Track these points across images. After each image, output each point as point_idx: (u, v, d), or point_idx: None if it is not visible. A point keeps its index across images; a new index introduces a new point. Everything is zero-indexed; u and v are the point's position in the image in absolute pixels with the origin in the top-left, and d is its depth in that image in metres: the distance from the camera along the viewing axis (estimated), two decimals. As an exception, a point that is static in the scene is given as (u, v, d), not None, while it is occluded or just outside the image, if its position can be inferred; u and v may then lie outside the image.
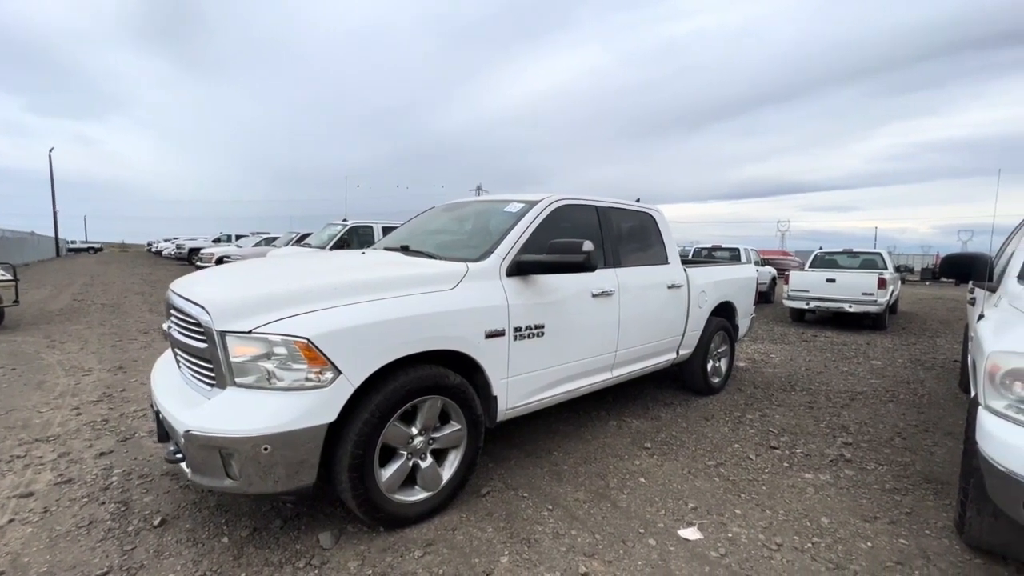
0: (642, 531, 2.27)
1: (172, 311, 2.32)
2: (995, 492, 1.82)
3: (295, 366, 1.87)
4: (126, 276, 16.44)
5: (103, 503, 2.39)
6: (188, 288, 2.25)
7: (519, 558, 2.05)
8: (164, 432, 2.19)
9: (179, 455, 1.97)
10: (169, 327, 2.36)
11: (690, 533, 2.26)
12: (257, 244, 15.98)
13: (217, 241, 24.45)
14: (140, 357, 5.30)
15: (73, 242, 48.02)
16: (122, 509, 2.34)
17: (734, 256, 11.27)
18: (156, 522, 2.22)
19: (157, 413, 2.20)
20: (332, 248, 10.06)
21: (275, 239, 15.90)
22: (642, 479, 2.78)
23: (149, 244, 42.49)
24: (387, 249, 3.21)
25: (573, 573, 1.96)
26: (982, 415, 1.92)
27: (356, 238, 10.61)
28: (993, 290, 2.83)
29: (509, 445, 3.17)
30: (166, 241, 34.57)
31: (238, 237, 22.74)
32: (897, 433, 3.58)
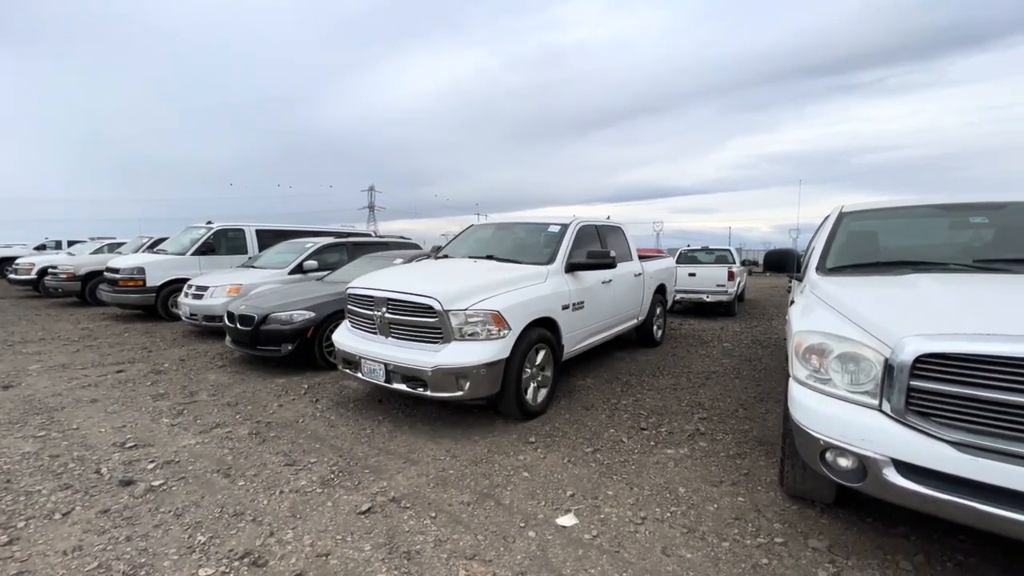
0: (523, 525, 2.34)
1: (389, 302, 3.59)
2: (800, 448, 2.18)
3: (488, 327, 3.34)
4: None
5: None
6: (406, 286, 3.61)
7: (397, 573, 1.98)
8: (389, 377, 3.48)
9: (414, 385, 3.35)
10: (383, 312, 3.62)
11: (567, 520, 2.38)
12: (97, 251, 13.43)
13: (41, 248, 20.04)
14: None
15: None
16: None
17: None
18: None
19: (386, 365, 3.46)
20: (194, 254, 8.94)
21: (121, 245, 13.54)
22: (526, 473, 2.88)
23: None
24: (472, 257, 4.67)
25: (453, 578, 1.96)
26: (791, 384, 2.29)
27: (224, 243, 9.52)
28: (800, 279, 3.42)
29: (392, 455, 3.07)
30: (-36, 250, 27.44)
31: (71, 243, 18.88)
32: (741, 405, 4.16)
